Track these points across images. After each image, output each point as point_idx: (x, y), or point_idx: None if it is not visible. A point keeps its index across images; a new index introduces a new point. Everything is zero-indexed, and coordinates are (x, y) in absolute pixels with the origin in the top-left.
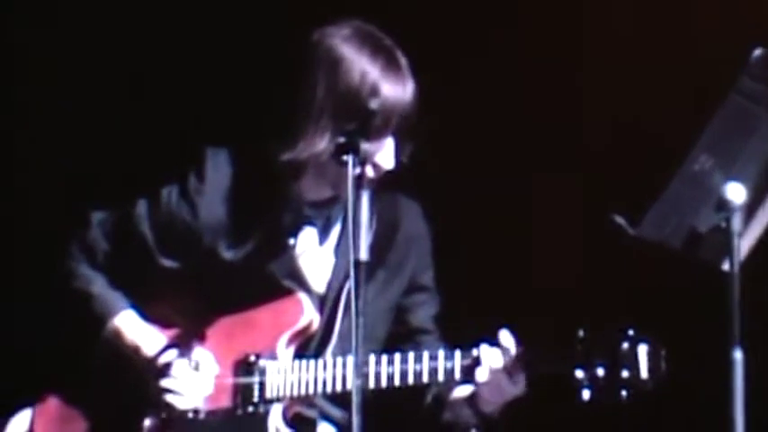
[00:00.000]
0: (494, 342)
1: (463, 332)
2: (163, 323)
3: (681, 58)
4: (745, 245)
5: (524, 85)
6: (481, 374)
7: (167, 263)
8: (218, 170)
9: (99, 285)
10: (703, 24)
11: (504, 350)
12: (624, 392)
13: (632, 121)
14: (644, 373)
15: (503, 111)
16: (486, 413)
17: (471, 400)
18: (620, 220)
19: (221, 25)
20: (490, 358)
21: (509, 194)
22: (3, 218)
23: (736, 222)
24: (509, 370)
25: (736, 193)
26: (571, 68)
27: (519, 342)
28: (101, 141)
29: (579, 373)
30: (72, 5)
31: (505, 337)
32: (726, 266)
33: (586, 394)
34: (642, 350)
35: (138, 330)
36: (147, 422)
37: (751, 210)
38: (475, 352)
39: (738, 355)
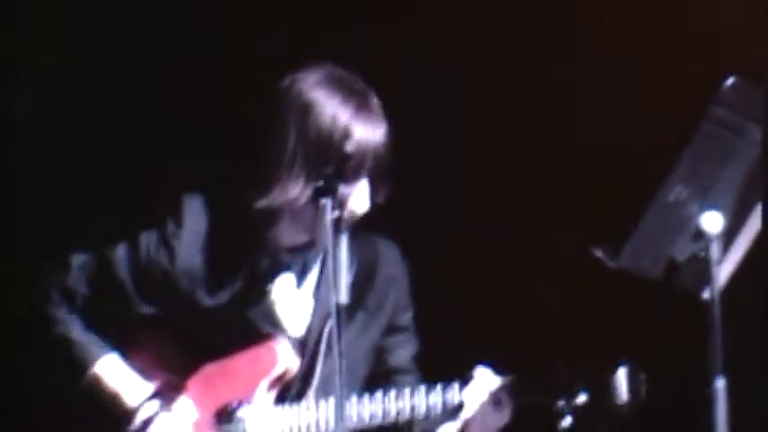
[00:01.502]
0: (468, 378)
1: (443, 367)
2: (144, 370)
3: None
4: (724, 272)
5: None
6: (466, 412)
7: (146, 309)
8: (195, 216)
9: (78, 330)
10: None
11: (485, 385)
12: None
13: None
14: (623, 398)
15: (478, 140)
16: None
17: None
18: (599, 252)
19: (196, 72)
20: (473, 395)
21: (487, 225)
22: None
23: (714, 251)
24: (495, 402)
25: (712, 221)
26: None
27: (502, 373)
28: (78, 184)
29: (560, 402)
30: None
31: (482, 373)
32: (706, 295)
33: (567, 422)
34: (622, 374)
35: (119, 378)
36: None
37: (729, 237)
38: (456, 393)
39: (721, 383)
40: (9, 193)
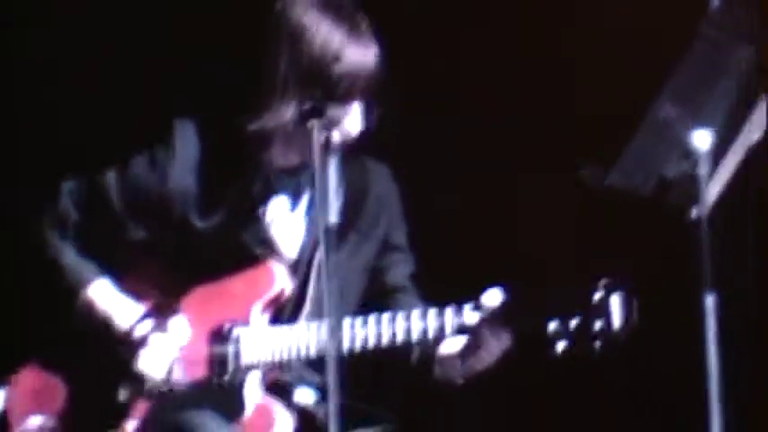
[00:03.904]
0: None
1: (440, 291)
2: (137, 293)
3: None
4: (713, 190)
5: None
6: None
7: (138, 233)
8: (186, 141)
9: (70, 255)
10: None
11: (485, 309)
12: (597, 343)
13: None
14: (617, 323)
15: (470, 66)
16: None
17: (463, 355)
18: (588, 171)
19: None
20: (470, 318)
21: (479, 150)
22: None
23: (704, 168)
24: (491, 327)
25: (702, 139)
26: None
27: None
28: (68, 112)
29: (553, 326)
30: None
31: (492, 295)
32: (694, 213)
33: (560, 346)
34: (615, 300)
35: (111, 301)
36: (123, 393)
37: (718, 155)
38: (451, 317)
39: (710, 300)
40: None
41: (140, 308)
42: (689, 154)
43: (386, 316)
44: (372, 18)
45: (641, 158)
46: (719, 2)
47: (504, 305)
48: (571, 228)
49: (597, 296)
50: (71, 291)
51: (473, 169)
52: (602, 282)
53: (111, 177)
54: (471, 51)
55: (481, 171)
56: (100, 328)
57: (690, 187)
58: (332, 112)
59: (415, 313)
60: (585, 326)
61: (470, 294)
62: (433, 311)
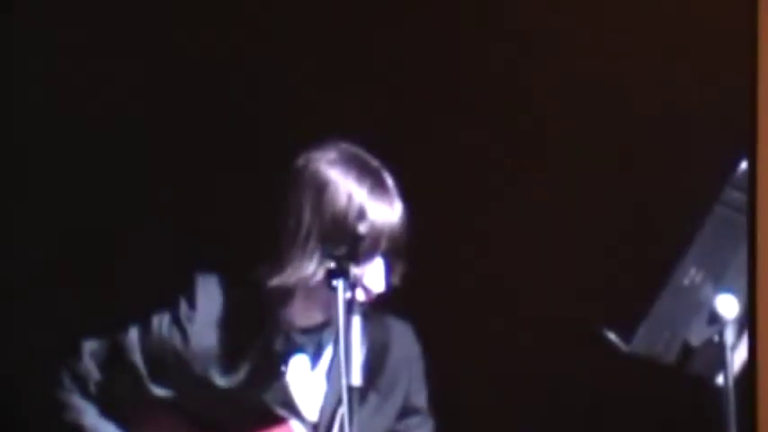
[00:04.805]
0: None
1: None
2: None
3: None
4: (739, 357)
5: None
6: None
7: (159, 391)
8: (208, 297)
9: (91, 416)
10: None
11: None
12: None
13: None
14: None
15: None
16: None
17: None
18: (612, 336)
19: (208, 151)
20: None
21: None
22: None
23: (729, 335)
24: None
25: (727, 305)
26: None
27: None
28: (89, 268)
29: None
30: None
31: None
32: (720, 380)
33: None
34: None
35: None
36: None
37: (744, 321)
38: None
39: None
40: (18, 281)
41: None
42: (714, 320)
43: None
44: (397, 175)
45: (664, 324)
46: (744, 168)
47: None
48: (592, 392)
49: None
50: None
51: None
52: None
53: (133, 336)
54: (502, 204)
55: (503, 330)
56: None
57: (715, 354)
58: (355, 269)
59: None
60: None
61: None
62: None
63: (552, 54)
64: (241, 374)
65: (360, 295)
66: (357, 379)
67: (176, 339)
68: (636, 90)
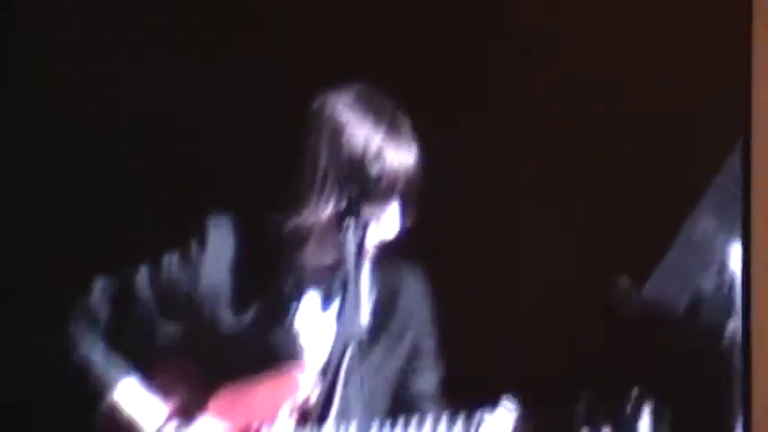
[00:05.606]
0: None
1: (465, 396)
2: (165, 391)
3: None
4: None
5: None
6: None
7: (170, 330)
8: (220, 238)
9: (100, 351)
10: None
11: (507, 415)
12: None
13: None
14: None
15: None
16: None
17: None
18: (624, 281)
19: (225, 94)
20: (498, 425)
21: (517, 255)
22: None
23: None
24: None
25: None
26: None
27: (525, 402)
28: (102, 207)
29: None
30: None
31: (507, 404)
32: (730, 327)
33: None
34: (646, 412)
35: (136, 404)
36: None
37: None
38: (479, 423)
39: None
40: (32, 218)
41: (166, 409)
42: (725, 269)
43: (413, 420)
44: (413, 118)
45: (676, 272)
46: None
47: (529, 411)
48: (601, 337)
49: (629, 406)
50: (97, 390)
51: (507, 269)
52: (634, 392)
53: (143, 274)
54: (513, 151)
55: (513, 273)
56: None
57: (725, 302)
58: (368, 211)
59: (443, 419)
60: None
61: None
62: (461, 418)
63: (552, 54)
64: (251, 314)
65: (372, 238)
66: (365, 322)
67: (186, 278)
68: (636, 90)
